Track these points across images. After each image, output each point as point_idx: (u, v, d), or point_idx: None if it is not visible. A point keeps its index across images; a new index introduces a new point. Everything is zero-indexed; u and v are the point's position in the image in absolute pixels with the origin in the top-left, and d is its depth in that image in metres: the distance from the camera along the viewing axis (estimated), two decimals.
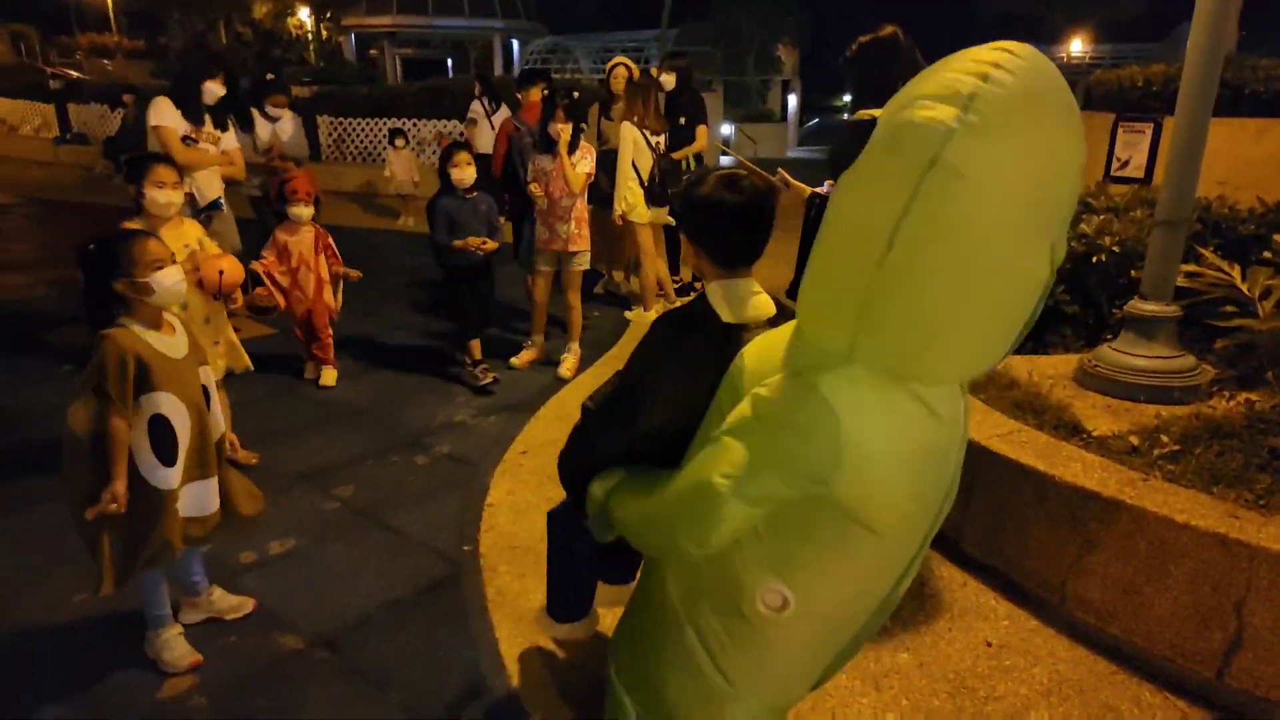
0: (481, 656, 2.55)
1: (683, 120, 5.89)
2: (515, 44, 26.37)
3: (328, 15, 27.35)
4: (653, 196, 5.57)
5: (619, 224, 5.64)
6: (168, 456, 2.30)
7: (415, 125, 11.96)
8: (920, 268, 1.11)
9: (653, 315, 5.92)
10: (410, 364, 5.15)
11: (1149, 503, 2.44)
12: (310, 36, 27.17)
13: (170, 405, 2.30)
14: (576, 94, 4.91)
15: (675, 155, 5.70)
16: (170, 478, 2.30)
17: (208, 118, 4.36)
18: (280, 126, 5.84)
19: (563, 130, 4.48)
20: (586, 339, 5.39)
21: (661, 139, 5.60)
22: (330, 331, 4.67)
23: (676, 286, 6.39)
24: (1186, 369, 3.17)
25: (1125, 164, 6.91)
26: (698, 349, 1.64)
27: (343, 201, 11.51)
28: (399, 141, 10.26)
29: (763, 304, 1.69)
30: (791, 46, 27.07)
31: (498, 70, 24.11)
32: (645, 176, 5.54)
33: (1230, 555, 2.27)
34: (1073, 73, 28.27)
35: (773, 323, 1.66)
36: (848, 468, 1.23)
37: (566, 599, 2.40)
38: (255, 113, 5.68)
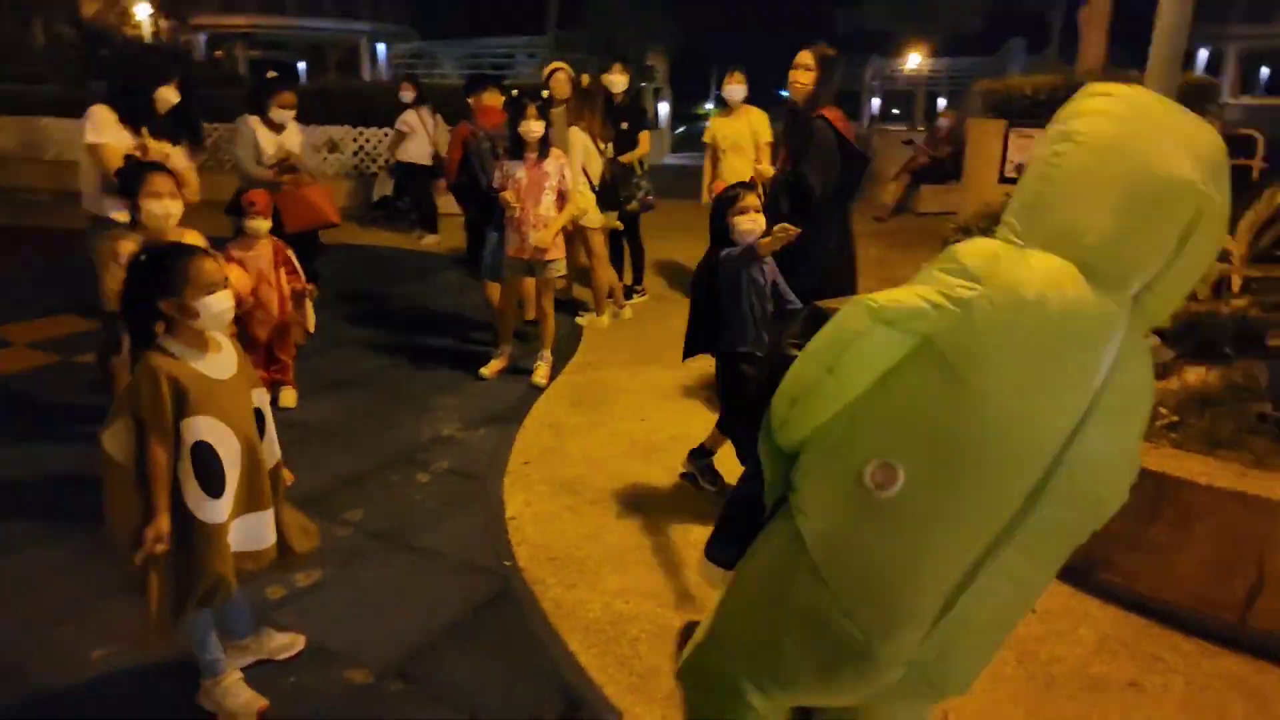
0: (564, 671, 2.50)
1: (625, 125, 5.94)
2: (381, 48, 25.60)
3: (165, 14, 25.53)
4: (605, 201, 5.59)
5: (569, 229, 5.60)
6: (214, 487, 2.11)
7: (305, 131, 11.37)
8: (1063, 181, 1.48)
9: (605, 320, 5.93)
10: (365, 380, 4.94)
11: (1171, 468, 2.70)
12: (150, 37, 25.29)
13: (214, 431, 2.11)
14: (547, 93, 4.87)
15: (623, 159, 5.73)
16: (219, 510, 2.12)
17: (144, 130, 3.92)
18: (287, 135, 5.15)
19: (536, 128, 4.43)
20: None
21: (609, 145, 5.64)
22: (294, 351, 4.42)
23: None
24: (1154, 346, 3.51)
25: (1019, 167, 7.54)
26: None
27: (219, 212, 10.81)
28: None
29: None
30: (663, 55, 27.60)
31: (365, 74, 23.35)
32: (596, 181, 5.55)
33: (1249, 510, 2.54)
34: (911, 84, 30.44)
35: None
36: (990, 284, 1.43)
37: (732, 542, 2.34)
38: (256, 121, 5.05)
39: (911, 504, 1.49)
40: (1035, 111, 7.37)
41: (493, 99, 5.29)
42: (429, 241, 9.07)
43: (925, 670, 1.63)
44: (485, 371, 4.90)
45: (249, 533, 2.22)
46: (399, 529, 3.28)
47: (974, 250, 1.50)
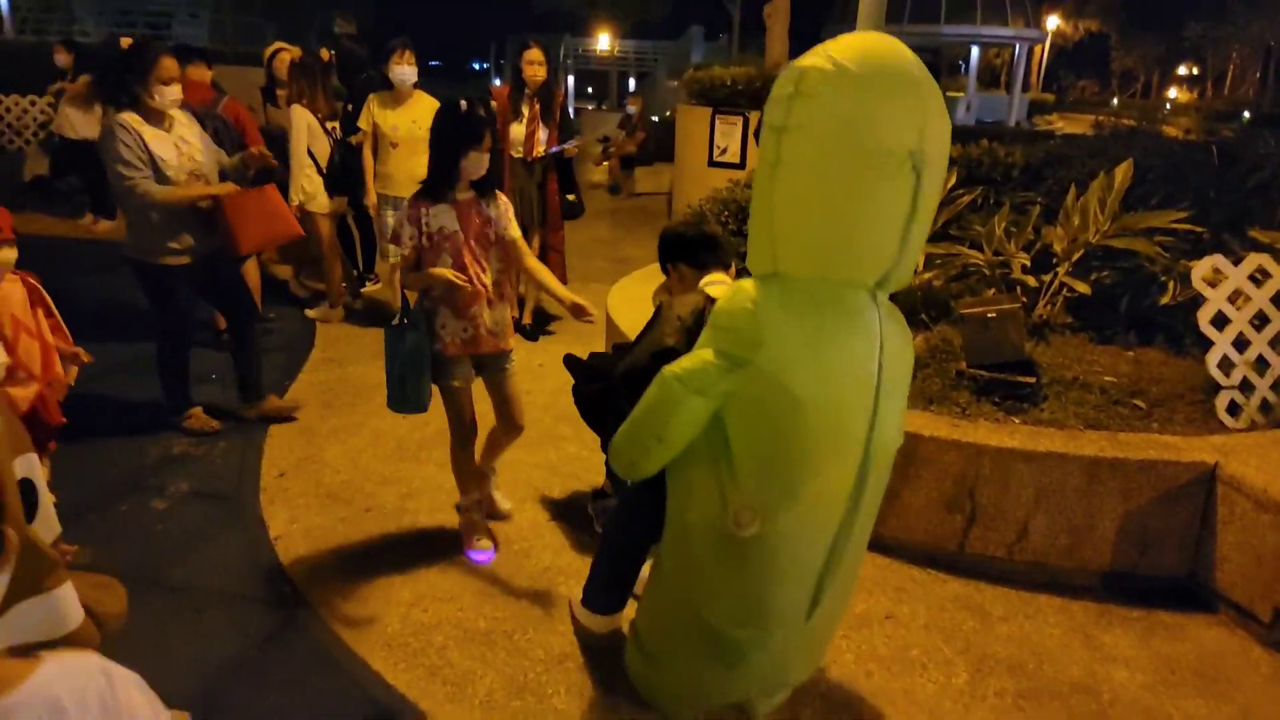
0: (374, 693, 2.35)
1: (350, 107, 5.53)
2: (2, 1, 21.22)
3: None
4: (334, 184, 5.20)
5: (297, 215, 5.14)
6: None
7: None
8: (791, 189, 1.59)
9: (340, 313, 5.54)
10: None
11: None
12: None
13: None
14: None
15: (353, 140, 5.34)
16: None
17: None
18: (180, 128, 3.56)
19: (483, 162, 2.81)
20: (274, 343, 4.92)
21: (336, 124, 5.23)
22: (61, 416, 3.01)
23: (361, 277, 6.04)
24: None
25: (724, 151, 8.16)
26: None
27: None
28: None
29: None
30: (349, 21, 25.94)
31: None
32: (324, 163, 5.14)
33: (963, 454, 3.04)
34: (603, 64, 31.68)
35: None
36: (767, 344, 1.62)
37: (616, 592, 2.53)
38: (135, 120, 3.41)
39: (772, 528, 1.68)
40: (734, 99, 8.01)
41: (199, 73, 4.63)
42: (105, 227, 7.85)
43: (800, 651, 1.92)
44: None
45: (34, 620, 1.81)
46: (144, 566, 2.85)
47: (735, 313, 1.68)
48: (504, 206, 2.90)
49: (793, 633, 1.89)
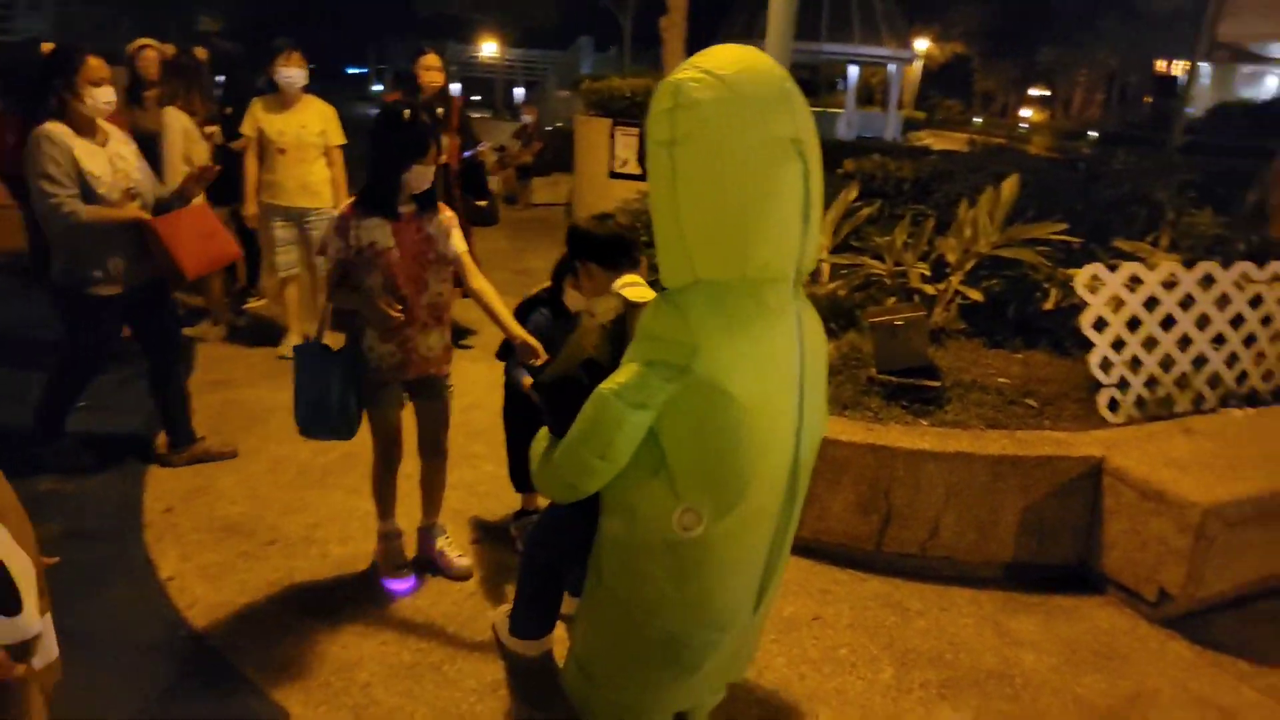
0: None
1: (230, 110, 5.23)
2: None
3: None
4: (215, 193, 4.88)
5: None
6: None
7: None
8: (694, 196, 1.61)
9: (222, 330, 5.22)
10: None
11: None
12: None
13: None
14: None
15: (234, 146, 5.05)
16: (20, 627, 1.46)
17: None
18: (114, 144, 3.26)
19: (427, 175, 2.68)
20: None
21: (217, 128, 4.94)
22: None
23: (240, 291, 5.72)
24: None
25: (625, 162, 8.18)
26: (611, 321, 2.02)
27: None
28: None
29: (646, 291, 2.07)
30: (214, 18, 24.61)
31: None
32: None
33: (878, 457, 3.13)
34: (490, 72, 31.25)
35: None
36: (702, 349, 1.63)
37: (545, 615, 2.46)
38: (65, 132, 3.08)
39: (718, 528, 1.70)
40: (633, 111, 8.05)
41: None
42: None
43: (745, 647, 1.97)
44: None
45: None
46: None
47: (666, 322, 1.67)
48: (447, 222, 2.73)
49: (741, 627, 1.90)
